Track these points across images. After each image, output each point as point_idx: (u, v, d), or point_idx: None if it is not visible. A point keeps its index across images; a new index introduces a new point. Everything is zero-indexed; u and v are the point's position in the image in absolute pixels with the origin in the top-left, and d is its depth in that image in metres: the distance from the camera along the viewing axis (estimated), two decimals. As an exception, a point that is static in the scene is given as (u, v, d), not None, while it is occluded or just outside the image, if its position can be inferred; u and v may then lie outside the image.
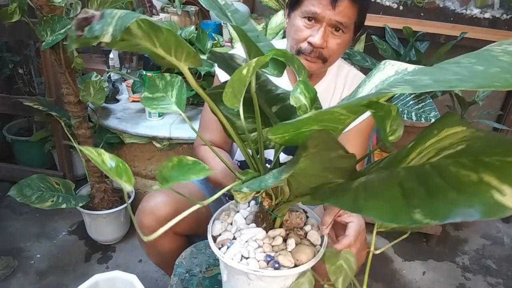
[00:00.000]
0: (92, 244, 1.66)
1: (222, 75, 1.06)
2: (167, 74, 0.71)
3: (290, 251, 0.68)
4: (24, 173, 1.73)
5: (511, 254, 1.82)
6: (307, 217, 0.78)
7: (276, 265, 0.64)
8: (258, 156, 0.70)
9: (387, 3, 1.91)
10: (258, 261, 0.65)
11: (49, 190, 1.41)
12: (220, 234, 0.71)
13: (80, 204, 1.51)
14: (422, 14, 1.91)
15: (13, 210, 1.82)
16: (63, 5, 1.20)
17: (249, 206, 0.78)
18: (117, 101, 1.79)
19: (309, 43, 0.91)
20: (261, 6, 2.08)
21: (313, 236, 0.72)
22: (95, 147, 1.64)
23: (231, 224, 0.74)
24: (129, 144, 1.58)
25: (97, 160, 0.45)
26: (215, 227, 0.72)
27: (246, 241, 0.68)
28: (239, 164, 1.13)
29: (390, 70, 0.54)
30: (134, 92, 1.68)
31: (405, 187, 0.43)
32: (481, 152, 0.40)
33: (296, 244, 0.69)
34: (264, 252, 0.67)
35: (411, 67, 0.51)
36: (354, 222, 0.74)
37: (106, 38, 0.48)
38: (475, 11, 1.87)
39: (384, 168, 0.50)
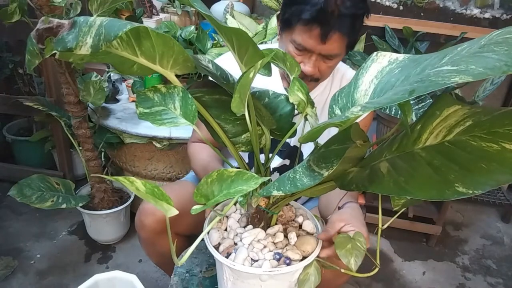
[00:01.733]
0: (92, 244, 1.66)
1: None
2: (161, 86, 0.65)
3: (294, 245, 0.68)
4: (24, 173, 1.73)
5: (511, 254, 1.82)
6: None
7: (288, 261, 0.65)
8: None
9: (387, 3, 1.91)
10: (269, 261, 0.65)
11: (49, 190, 1.41)
12: (219, 243, 0.69)
13: (80, 204, 1.51)
14: (422, 14, 1.91)
15: (13, 210, 1.82)
16: (63, 5, 1.20)
17: (236, 209, 0.77)
18: (117, 101, 1.79)
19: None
20: (261, 6, 2.08)
21: (308, 226, 0.73)
22: (95, 147, 1.63)
23: (226, 230, 0.73)
24: (129, 144, 1.58)
25: (131, 188, 0.44)
26: (212, 237, 0.70)
27: (249, 244, 0.67)
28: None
29: (383, 60, 0.57)
30: (134, 92, 1.68)
31: (434, 165, 0.48)
32: (492, 125, 0.46)
33: (297, 236, 0.70)
34: (271, 251, 0.67)
35: (400, 56, 0.55)
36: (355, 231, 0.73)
37: (84, 50, 0.44)
38: (475, 11, 1.87)
39: (400, 151, 0.54)
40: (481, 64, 0.38)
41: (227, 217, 0.75)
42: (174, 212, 0.45)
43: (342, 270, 0.65)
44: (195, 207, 0.49)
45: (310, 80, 0.92)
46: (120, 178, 0.43)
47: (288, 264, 0.65)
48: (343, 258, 0.61)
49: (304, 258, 0.67)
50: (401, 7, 1.91)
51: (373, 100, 0.49)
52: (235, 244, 0.69)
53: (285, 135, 0.72)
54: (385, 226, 0.66)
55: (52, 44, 0.44)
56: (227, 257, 0.66)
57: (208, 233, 0.70)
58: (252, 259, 0.65)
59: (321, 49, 0.86)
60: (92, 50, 0.44)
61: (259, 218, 0.71)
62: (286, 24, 0.88)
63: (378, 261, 0.63)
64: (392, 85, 0.50)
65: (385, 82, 0.53)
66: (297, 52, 0.89)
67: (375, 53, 0.59)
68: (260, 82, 0.74)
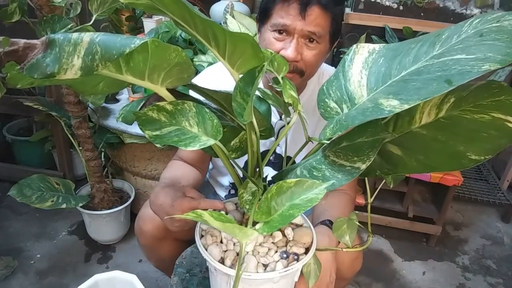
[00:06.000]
0: (92, 244, 1.66)
1: (200, 80, 1.00)
2: (164, 104, 0.56)
3: (294, 240, 0.69)
4: (24, 173, 1.73)
5: (511, 254, 1.82)
6: None
7: (296, 257, 0.65)
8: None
9: (387, 3, 1.91)
10: (277, 262, 0.64)
11: (49, 190, 1.41)
12: (223, 257, 0.66)
13: (80, 204, 1.51)
14: (422, 14, 1.90)
15: (13, 210, 1.82)
16: (63, 5, 1.20)
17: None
18: (117, 101, 1.79)
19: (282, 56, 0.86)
20: (261, 6, 2.08)
21: (296, 218, 0.73)
22: (95, 147, 1.63)
23: (221, 242, 0.69)
24: (129, 144, 1.58)
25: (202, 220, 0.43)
26: (213, 253, 0.66)
27: (252, 251, 0.66)
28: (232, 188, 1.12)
29: (364, 51, 0.59)
30: (134, 92, 1.68)
31: (440, 140, 0.52)
32: (475, 99, 0.50)
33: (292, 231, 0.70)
34: (276, 252, 0.66)
35: (377, 46, 0.59)
36: None
37: (71, 74, 0.37)
38: (475, 11, 1.87)
39: (398, 132, 0.57)
40: (497, 52, 0.41)
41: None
42: (254, 233, 0.43)
43: (345, 250, 0.70)
44: (257, 226, 0.46)
45: (294, 71, 0.86)
46: (190, 213, 0.42)
47: (297, 260, 0.65)
48: (339, 238, 0.67)
49: (306, 249, 0.68)
50: (401, 7, 1.91)
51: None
52: (237, 254, 0.66)
53: (268, 135, 0.71)
54: (372, 199, 0.73)
55: (24, 70, 0.36)
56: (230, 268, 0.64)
57: (206, 250, 0.67)
58: (263, 264, 0.64)
59: (301, 26, 0.82)
60: (83, 73, 0.37)
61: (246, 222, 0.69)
62: (264, 14, 0.87)
63: (370, 230, 0.71)
64: (388, 74, 0.52)
65: (376, 72, 0.55)
66: (277, 36, 0.85)
67: (355, 45, 0.61)
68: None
